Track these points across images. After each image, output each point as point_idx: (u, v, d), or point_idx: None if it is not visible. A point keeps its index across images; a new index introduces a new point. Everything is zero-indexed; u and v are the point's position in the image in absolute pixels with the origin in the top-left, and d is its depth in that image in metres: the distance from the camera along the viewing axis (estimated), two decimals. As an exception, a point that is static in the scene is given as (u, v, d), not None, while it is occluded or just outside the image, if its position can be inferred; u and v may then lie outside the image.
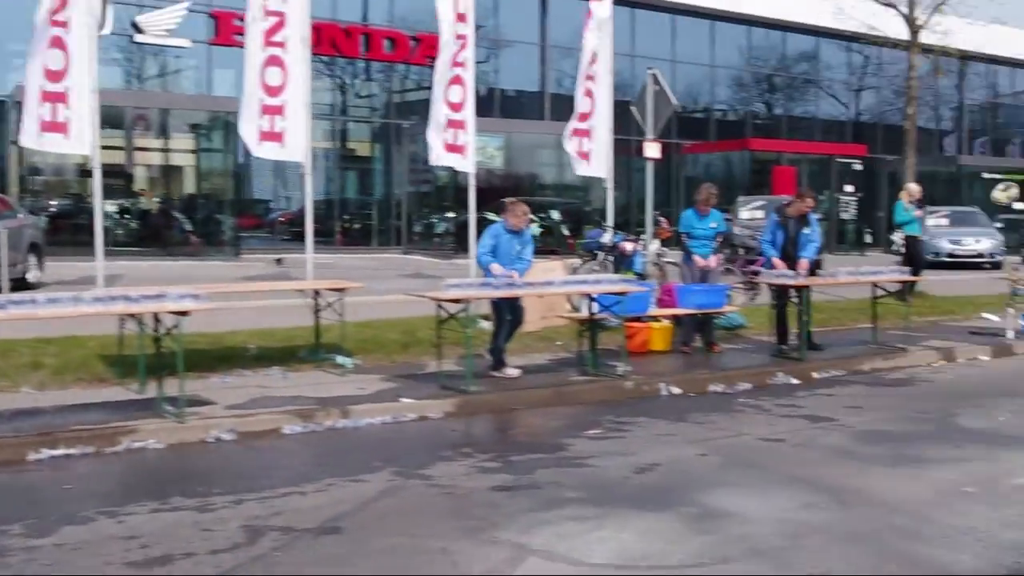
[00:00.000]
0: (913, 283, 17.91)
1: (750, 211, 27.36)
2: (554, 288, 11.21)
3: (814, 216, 12.93)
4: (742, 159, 38.83)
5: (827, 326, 14.89)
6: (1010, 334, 14.56)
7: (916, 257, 18.07)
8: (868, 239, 38.12)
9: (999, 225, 32.43)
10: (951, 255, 28.67)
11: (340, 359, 11.12)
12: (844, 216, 37.77)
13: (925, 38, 20.51)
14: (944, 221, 30.25)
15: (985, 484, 7.02)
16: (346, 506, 6.53)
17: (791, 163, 37.87)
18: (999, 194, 42.70)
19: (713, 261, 12.76)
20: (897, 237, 19.11)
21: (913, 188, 18.21)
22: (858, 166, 39.06)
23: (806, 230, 12.65)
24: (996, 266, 28.75)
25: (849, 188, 37.82)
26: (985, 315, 16.22)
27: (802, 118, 44.83)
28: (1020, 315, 15.06)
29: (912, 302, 17.54)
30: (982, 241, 29.12)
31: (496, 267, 10.57)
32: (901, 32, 20.51)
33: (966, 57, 46.16)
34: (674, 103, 14.96)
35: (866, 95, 46.42)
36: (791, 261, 12.44)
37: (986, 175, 43.26)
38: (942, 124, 49.96)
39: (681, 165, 39.62)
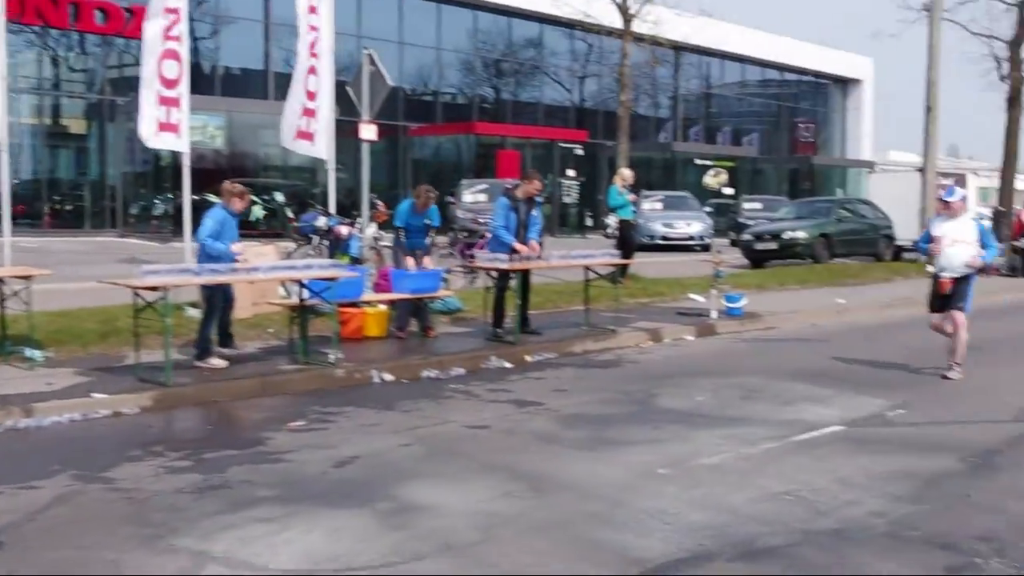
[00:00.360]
0: (626, 266, 18.52)
1: (473, 194, 27.57)
2: (260, 274, 10.73)
3: (539, 199, 13.07)
4: (468, 142, 39.17)
5: (543, 309, 15.06)
6: (714, 314, 15.19)
7: (628, 240, 18.64)
8: (589, 222, 39.27)
9: (708, 209, 34.08)
10: (664, 238, 29.95)
11: (28, 352, 10.28)
12: (566, 200, 38.74)
13: (637, 27, 21.17)
14: (658, 205, 31.57)
15: (678, 465, 7.17)
16: (11, 517, 5.93)
17: (516, 147, 38.48)
18: (710, 179, 45.08)
19: (427, 262, 12.72)
20: (611, 221, 19.66)
21: (626, 173, 18.76)
22: (579, 151, 40.15)
23: (534, 212, 12.79)
24: (706, 248, 30.18)
25: (571, 172, 38.81)
26: (692, 296, 16.89)
27: (527, 103, 45.70)
28: (723, 296, 15.78)
29: (625, 284, 18.16)
30: (693, 224, 30.56)
31: (228, 248, 10.36)
32: (616, 20, 21.08)
33: (678, 48, 48.33)
34: (390, 84, 14.72)
35: (589, 82, 47.76)
36: (522, 244, 12.54)
37: (698, 161, 45.57)
38: (659, 112, 52.17)
39: (408, 148, 39.54)
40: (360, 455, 7.39)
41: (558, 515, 6.05)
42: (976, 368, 11.41)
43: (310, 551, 5.42)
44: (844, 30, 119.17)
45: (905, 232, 26.50)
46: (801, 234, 24.58)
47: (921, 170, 26.13)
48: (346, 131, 16.56)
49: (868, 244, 26.37)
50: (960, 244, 10.68)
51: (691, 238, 30.19)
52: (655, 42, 21.97)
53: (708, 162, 45.49)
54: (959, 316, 10.83)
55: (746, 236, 25.63)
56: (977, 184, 31.24)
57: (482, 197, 26.63)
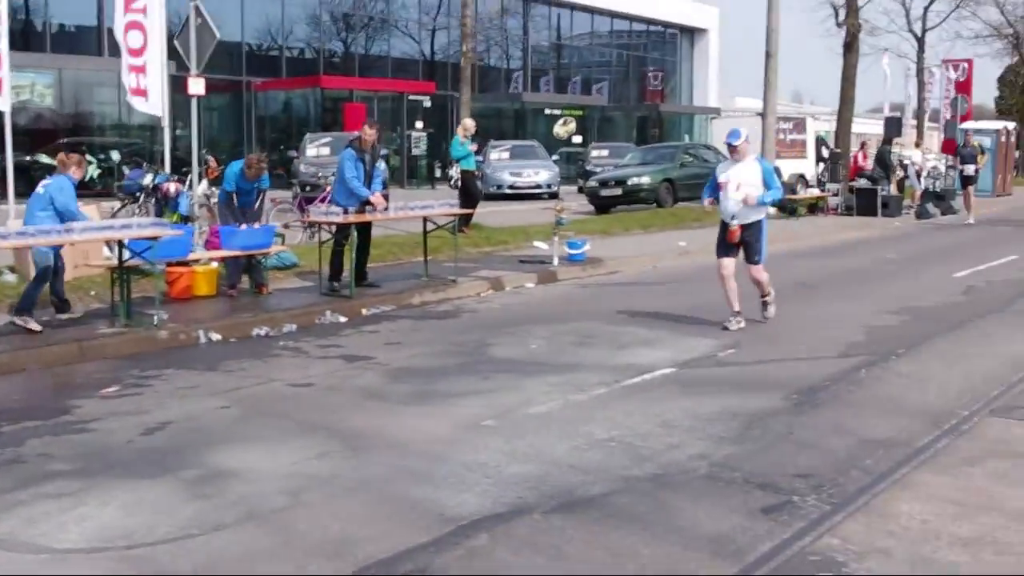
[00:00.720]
0: (469, 216, 18.30)
1: (317, 148, 26.89)
2: (75, 236, 10.12)
3: (384, 150, 12.76)
4: (314, 96, 38.27)
5: (384, 261, 14.80)
6: (556, 261, 15.14)
7: (472, 190, 18.41)
8: (438, 174, 38.93)
9: (556, 157, 34.11)
10: (512, 187, 29.87)
11: None
12: (416, 152, 38.29)
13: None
14: (506, 155, 31.45)
15: (504, 416, 7.00)
16: None
17: (363, 100, 37.75)
18: (559, 128, 45.17)
19: (257, 227, 12.30)
20: (454, 171, 19.41)
21: (468, 123, 18.51)
22: (428, 103, 39.67)
23: (379, 163, 12.48)
24: (554, 196, 30.19)
25: (419, 124, 38.34)
26: (537, 243, 16.78)
27: (376, 56, 44.82)
28: (565, 242, 15.73)
29: (468, 234, 17.97)
30: (540, 173, 30.52)
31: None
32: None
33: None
34: (217, 36, 14.07)
35: (439, 35, 47.13)
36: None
37: (548, 111, 45.56)
38: (510, 63, 51.96)
39: (253, 103, 38.40)
40: (172, 420, 7.00)
41: (374, 475, 5.81)
42: (805, 306, 11.62)
43: (103, 527, 5.05)
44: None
45: (747, 176, 26.98)
46: (645, 180, 24.76)
47: (762, 115, 26.58)
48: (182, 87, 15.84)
49: (710, 188, 26.74)
50: (746, 188, 10.10)
51: (539, 186, 30.16)
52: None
53: (557, 111, 45.52)
54: (757, 272, 10.45)
55: (591, 183, 25.71)
56: (816, 128, 32.01)
57: (325, 151, 25.97)
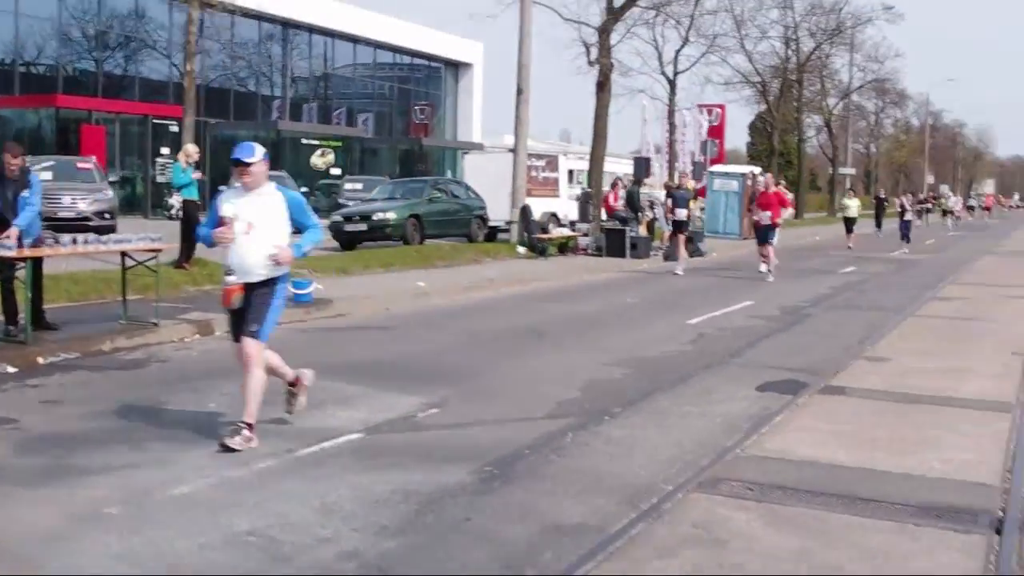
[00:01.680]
0: (191, 250, 16.85)
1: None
2: None
3: (35, 177, 11.17)
4: (49, 117, 35.58)
5: (86, 300, 13.29)
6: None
7: (194, 221, 16.92)
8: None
9: (305, 189, 32.82)
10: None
11: None
12: (161, 180, 36.15)
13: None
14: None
15: (136, 500, 5.79)
16: None
17: (104, 123, 35.36)
18: (317, 160, 43.76)
19: None
20: (175, 201, 17.88)
21: (190, 148, 17.03)
22: (175, 128, 37.52)
23: (25, 192, 10.85)
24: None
25: (165, 151, 36.24)
26: None
27: (124, 76, 42.33)
28: (291, 281, 14.54)
29: (190, 270, 16.52)
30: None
31: None
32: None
33: (288, 24, 46.86)
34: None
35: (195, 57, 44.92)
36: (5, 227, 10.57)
37: (305, 141, 44.08)
38: (273, 91, 50.31)
39: (-19, 120, 35.40)
40: None
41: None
42: (531, 356, 10.90)
43: None
44: (455, 14, 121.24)
45: (499, 213, 26.49)
46: (391, 215, 23.82)
47: (513, 151, 26.18)
48: None
49: (460, 225, 26.11)
50: (261, 230, 7.04)
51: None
52: (225, 9, 20.24)
53: (315, 142, 44.11)
54: (250, 347, 7.06)
55: (335, 217, 24.57)
56: (568, 166, 31.97)
57: (47, 175, 23.73)
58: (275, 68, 50.11)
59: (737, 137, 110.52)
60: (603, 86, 29.74)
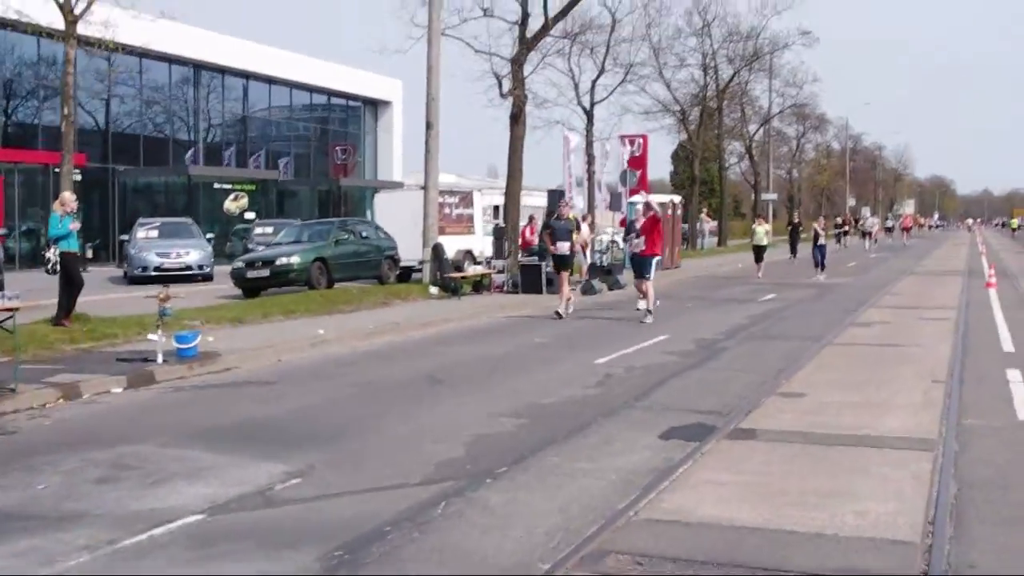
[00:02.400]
0: (70, 305, 15.80)
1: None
2: None
3: None
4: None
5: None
6: (160, 359, 12.92)
7: (73, 276, 15.85)
8: (89, 253, 35.41)
9: (210, 236, 31.68)
10: (159, 268, 27.24)
11: None
12: (62, 230, 34.63)
13: (85, 29, 18.39)
14: (154, 233, 28.81)
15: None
16: None
17: (3, 172, 33.94)
18: (230, 204, 42.64)
19: None
20: (51, 254, 16.77)
21: (67, 197, 15.96)
22: (78, 176, 36.09)
23: None
24: (207, 278, 27.87)
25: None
26: (153, 336, 14.34)
27: (28, 125, 40.81)
28: (174, 336, 13.56)
29: (69, 327, 15.44)
30: (191, 253, 28.03)
31: None
32: (56, 21, 18.17)
33: (200, 66, 45.61)
34: None
35: (97, 103, 43.57)
36: None
37: (218, 185, 42.89)
38: (185, 135, 49.09)
39: None
40: None
41: None
42: (421, 407, 10.01)
43: None
44: (372, 53, 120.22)
45: (412, 252, 25.63)
46: (295, 260, 22.79)
47: (424, 188, 25.37)
48: None
49: (370, 267, 25.17)
50: None
51: (188, 268, 27.66)
52: (106, 47, 19.19)
53: (228, 186, 42.94)
54: None
55: (237, 263, 23.51)
56: (485, 202, 31.24)
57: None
58: (189, 112, 48.97)
59: (660, 167, 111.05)
60: (517, 118, 29.08)
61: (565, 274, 19.61)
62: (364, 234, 26.00)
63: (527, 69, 29.72)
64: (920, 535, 5.87)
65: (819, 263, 30.60)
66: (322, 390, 11.33)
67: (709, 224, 58.73)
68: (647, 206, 19.87)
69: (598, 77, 36.98)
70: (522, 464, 7.66)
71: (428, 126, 25.37)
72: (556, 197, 26.74)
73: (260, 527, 6.23)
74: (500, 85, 28.36)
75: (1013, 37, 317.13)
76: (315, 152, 57.68)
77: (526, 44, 28.98)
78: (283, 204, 48.29)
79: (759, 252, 32.10)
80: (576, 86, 37.01)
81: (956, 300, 22.04)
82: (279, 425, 9.34)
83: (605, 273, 27.50)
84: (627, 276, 28.81)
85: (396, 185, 49.19)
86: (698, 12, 54.29)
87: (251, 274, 22.57)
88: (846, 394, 10.51)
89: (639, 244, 18.83)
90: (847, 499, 6.61)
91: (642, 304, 18.81)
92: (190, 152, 47.67)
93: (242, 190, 43.34)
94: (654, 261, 18.75)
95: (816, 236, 31.64)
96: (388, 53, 45.57)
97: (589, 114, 37.38)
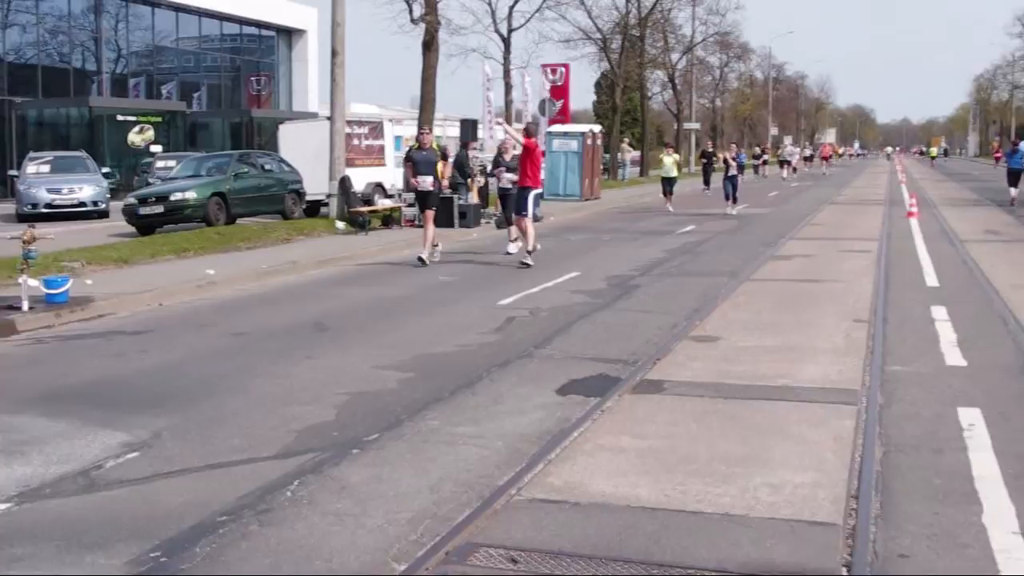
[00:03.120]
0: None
1: None
2: None
3: None
4: None
5: None
6: (25, 305, 11.77)
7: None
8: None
9: (106, 170, 30.00)
10: (49, 205, 25.70)
11: None
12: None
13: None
14: (45, 168, 27.17)
15: None
16: None
17: None
18: (134, 137, 40.75)
19: None
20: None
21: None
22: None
23: None
24: (103, 215, 26.40)
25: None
26: (27, 280, 13.07)
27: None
28: (42, 281, 12.39)
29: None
30: (84, 189, 26.45)
31: None
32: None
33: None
34: None
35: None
36: None
37: (121, 117, 40.90)
38: (100, 67, 46.99)
39: None
40: None
41: None
42: (295, 363, 8.99)
43: None
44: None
45: (320, 186, 24.42)
46: (191, 195, 21.43)
47: (329, 118, 24.10)
48: None
49: (273, 201, 23.90)
50: None
51: (82, 204, 26.10)
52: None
53: (132, 118, 40.97)
54: None
55: (129, 199, 22.09)
56: (398, 132, 29.98)
57: None
58: (96, 43, 46.78)
59: (583, 97, 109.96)
60: (430, 46, 27.85)
61: (430, 213, 17.00)
62: (267, 167, 24.67)
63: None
64: (843, 514, 5.07)
65: (729, 195, 29.16)
66: (193, 341, 10.28)
67: (631, 154, 57.79)
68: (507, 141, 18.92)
69: (515, 3, 35.68)
70: (397, 430, 6.74)
71: (333, 53, 24.03)
72: (468, 127, 25.59)
73: (71, 520, 5.23)
74: (411, 10, 27.01)
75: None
76: (230, 83, 55.65)
77: (438, -34, 27.66)
78: (195, 137, 46.40)
79: (667, 184, 30.40)
80: (493, 13, 35.66)
81: (877, 231, 21.50)
82: (134, 384, 8.30)
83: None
84: (541, 208, 27.95)
85: (310, 116, 47.54)
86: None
87: (143, 211, 21.20)
88: (763, 337, 9.74)
89: (509, 178, 17.83)
90: (761, 467, 5.81)
91: (513, 248, 17.47)
92: (100, 83, 45.57)
93: (148, 122, 41.40)
94: (531, 194, 16.58)
95: (727, 166, 30.52)
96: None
97: (507, 41, 36.09)
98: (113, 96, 45.38)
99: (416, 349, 9.44)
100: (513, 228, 17.74)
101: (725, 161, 30.58)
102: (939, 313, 10.94)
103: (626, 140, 52.60)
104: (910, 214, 24.75)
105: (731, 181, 28.70)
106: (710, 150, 41.12)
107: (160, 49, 50.97)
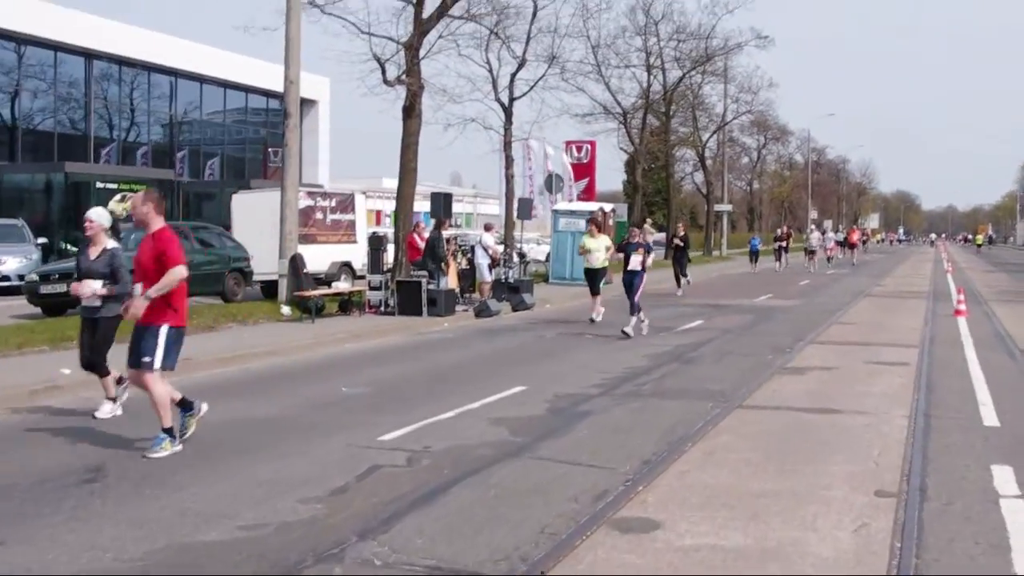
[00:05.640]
0: None
1: None
2: None
3: None
4: None
5: None
6: None
7: None
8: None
9: (42, 241, 26.97)
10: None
11: None
12: None
13: None
14: (-25, 235, 24.34)
15: None
16: None
17: None
18: (114, 206, 37.93)
19: None
20: None
21: None
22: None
23: None
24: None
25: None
26: None
27: None
28: None
29: None
30: (8, 261, 23.50)
31: None
32: None
33: (89, 55, 41.37)
34: None
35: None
36: None
37: (100, 185, 38.18)
38: (112, 133, 45.10)
39: None
40: None
41: None
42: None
43: None
44: (236, 31, 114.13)
45: (268, 265, 21.26)
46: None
47: (281, 187, 21.01)
48: None
49: (210, 281, 20.71)
50: None
51: (5, 278, 23.10)
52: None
53: (112, 185, 38.22)
54: None
55: (31, 276, 19.01)
56: (367, 206, 26.83)
57: None
58: (121, 110, 45.10)
59: (611, 177, 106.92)
60: (411, 111, 24.71)
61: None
62: (207, 242, 21.54)
63: (433, 65, 25.35)
64: None
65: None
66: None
67: (654, 236, 54.37)
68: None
69: (518, 70, 32.58)
70: None
71: (285, 115, 21.05)
72: (439, 202, 22.31)
73: None
74: (383, 70, 23.89)
75: (981, 57, 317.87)
76: (250, 153, 53.84)
77: (420, 27, 24.62)
78: (200, 208, 43.62)
79: (593, 278, 19.86)
80: (494, 80, 32.59)
81: (918, 334, 17.87)
82: None
83: (512, 291, 23.25)
84: (538, 294, 24.64)
85: (318, 187, 44.79)
86: (642, 9, 50.28)
87: (45, 289, 18.05)
88: (727, 526, 6.23)
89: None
90: None
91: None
92: (104, 152, 43.64)
93: (132, 191, 38.65)
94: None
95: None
96: (255, 31, 40.88)
97: (507, 111, 33.00)
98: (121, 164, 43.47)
99: (174, 534, 6.00)
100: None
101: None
102: (1004, 477, 7.40)
103: (649, 220, 49.15)
104: (958, 312, 21.13)
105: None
106: (682, 233, 30.37)
107: (175, 119, 49.34)
